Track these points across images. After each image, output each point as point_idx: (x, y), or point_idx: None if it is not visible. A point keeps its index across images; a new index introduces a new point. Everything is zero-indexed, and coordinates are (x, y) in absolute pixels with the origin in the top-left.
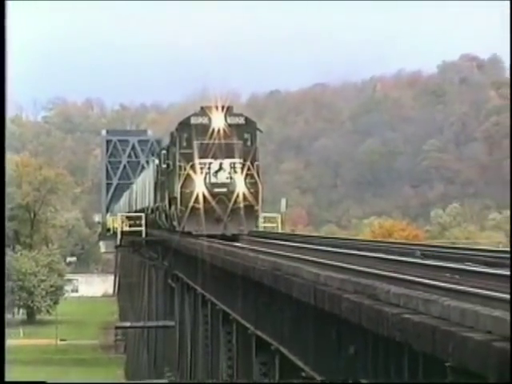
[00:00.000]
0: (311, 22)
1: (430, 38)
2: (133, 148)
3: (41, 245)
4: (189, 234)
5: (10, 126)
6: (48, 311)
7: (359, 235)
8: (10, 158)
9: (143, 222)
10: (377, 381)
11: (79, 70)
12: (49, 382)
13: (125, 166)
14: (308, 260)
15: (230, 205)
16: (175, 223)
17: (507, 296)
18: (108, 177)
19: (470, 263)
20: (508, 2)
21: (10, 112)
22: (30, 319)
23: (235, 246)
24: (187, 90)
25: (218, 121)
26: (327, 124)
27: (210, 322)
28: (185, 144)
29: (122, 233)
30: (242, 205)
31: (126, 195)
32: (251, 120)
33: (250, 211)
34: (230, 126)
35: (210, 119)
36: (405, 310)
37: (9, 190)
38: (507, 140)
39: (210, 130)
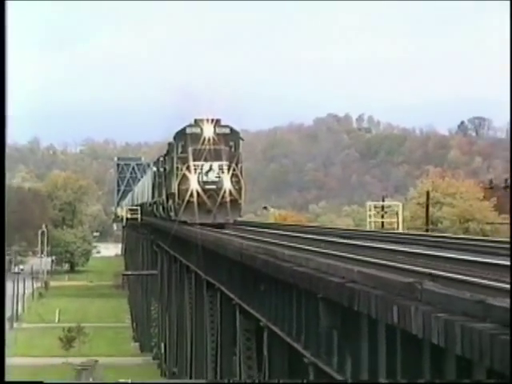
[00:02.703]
0: (229, 82)
1: (308, 100)
2: (133, 168)
3: (78, 226)
4: (184, 222)
5: (60, 156)
6: (82, 265)
7: (267, 220)
8: (59, 174)
9: (139, 212)
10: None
11: (103, 115)
12: (49, 381)
13: (128, 180)
14: (236, 235)
15: (219, 199)
16: (172, 214)
17: (354, 256)
18: (118, 185)
19: (331, 236)
20: (508, 2)
21: (60, 147)
22: (72, 269)
23: (198, 228)
24: (165, 132)
25: (209, 130)
26: (247, 154)
27: (179, 272)
28: (181, 149)
29: (127, 219)
30: (228, 199)
31: (129, 195)
32: (235, 130)
33: (235, 204)
34: (218, 134)
35: (201, 129)
36: (294, 265)
37: (59, 193)
38: (354, 164)
39: (202, 138)
